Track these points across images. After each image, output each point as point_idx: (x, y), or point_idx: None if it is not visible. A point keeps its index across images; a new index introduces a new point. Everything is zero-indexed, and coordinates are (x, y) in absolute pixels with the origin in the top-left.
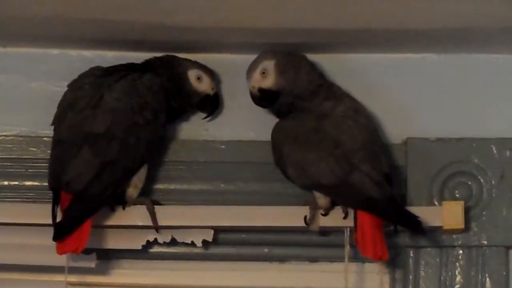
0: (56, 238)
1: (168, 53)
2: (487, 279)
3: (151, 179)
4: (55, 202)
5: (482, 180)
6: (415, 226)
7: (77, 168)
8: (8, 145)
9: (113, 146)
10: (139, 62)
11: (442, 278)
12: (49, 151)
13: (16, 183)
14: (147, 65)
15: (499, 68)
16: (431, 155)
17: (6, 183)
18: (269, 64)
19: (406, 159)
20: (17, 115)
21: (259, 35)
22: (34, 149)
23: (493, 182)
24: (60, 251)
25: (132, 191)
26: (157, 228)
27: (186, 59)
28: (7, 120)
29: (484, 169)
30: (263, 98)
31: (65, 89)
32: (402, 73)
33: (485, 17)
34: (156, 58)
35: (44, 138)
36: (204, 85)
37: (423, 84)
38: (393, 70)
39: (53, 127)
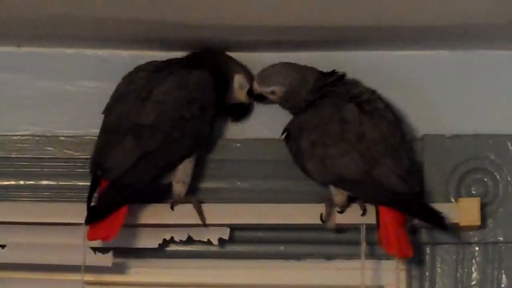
0: (88, 221)
1: (210, 49)
2: (503, 275)
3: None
4: (93, 187)
5: (498, 177)
6: (439, 222)
7: (117, 155)
8: (24, 145)
9: (157, 138)
10: (156, 59)
11: (458, 275)
12: (64, 151)
13: (32, 182)
14: (196, 59)
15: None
16: (447, 151)
17: (22, 182)
18: (280, 90)
19: (423, 156)
20: (32, 114)
21: (271, 33)
22: (50, 148)
23: (509, 179)
24: (91, 237)
25: (180, 188)
26: (205, 224)
27: (235, 61)
28: (23, 119)
29: (500, 165)
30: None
31: (81, 88)
32: (417, 70)
33: (498, 14)
34: (205, 51)
35: (60, 138)
36: (243, 95)
37: (438, 81)
38: (408, 68)
39: (72, 128)
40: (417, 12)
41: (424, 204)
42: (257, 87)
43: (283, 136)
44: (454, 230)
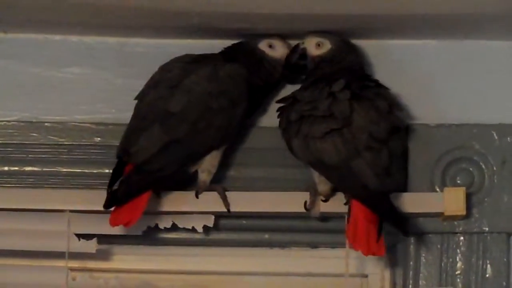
0: (106, 206)
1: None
2: (488, 265)
3: None
4: (116, 171)
5: (483, 166)
6: (401, 225)
7: (143, 141)
8: (9, 131)
9: (183, 127)
10: (141, 48)
11: (443, 264)
12: (49, 137)
13: (16, 168)
14: (227, 54)
15: (500, 54)
16: (432, 141)
17: (6, 168)
18: (326, 42)
19: (407, 145)
20: (18, 100)
21: (272, 21)
22: (35, 134)
23: (494, 169)
24: (113, 223)
25: (205, 176)
26: (229, 210)
27: (253, 36)
28: (8, 105)
29: (486, 155)
30: (296, 67)
31: (67, 75)
32: (402, 59)
33: (486, 3)
34: (228, 47)
35: (45, 124)
36: (279, 50)
37: (423, 70)
38: (393, 57)
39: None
40: (406, 2)
41: (392, 205)
42: (306, 40)
43: (279, 106)
44: (439, 219)
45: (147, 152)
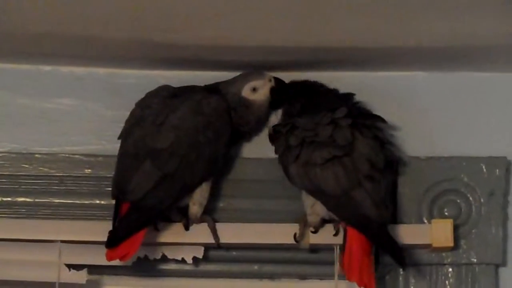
0: (108, 245)
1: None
2: None
3: None
4: (116, 211)
5: (471, 198)
6: (399, 257)
7: (137, 179)
8: (0, 162)
9: (174, 161)
10: (131, 79)
11: None
12: (40, 168)
13: (9, 199)
14: (211, 89)
15: (490, 87)
16: (421, 173)
17: None
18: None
19: (396, 177)
20: (8, 131)
21: (259, 54)
22: (26, 165)
23: (482, 200)
24: (109, 257)
25: (196, 209)
26: (218, 244)
27: (231, 83)
28: None
29: (474, 187)
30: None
31: (57, 105)
32: (391, 91)
33: (475, 36)
34: (215, 86)
35: (36, 155)
36: (262, 90)
37: (412, 102)
38: (382, 88)
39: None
40: (395, 35)
41: (389, 235)
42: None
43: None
44: (427, 251)
45: (143, 189)
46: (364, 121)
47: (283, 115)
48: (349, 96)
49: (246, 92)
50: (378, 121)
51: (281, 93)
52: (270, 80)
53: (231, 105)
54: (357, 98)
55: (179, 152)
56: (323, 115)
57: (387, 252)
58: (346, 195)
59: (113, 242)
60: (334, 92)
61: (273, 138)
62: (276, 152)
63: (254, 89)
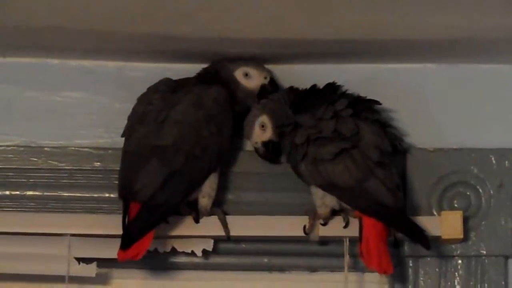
0: (123, 246)
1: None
2: None
3: None
4: (126, 211)
5: (480, 190)
6: (423, 240)
7: (145, 177)
8: (9, 155)
9: (180, 157)
10: (140, 72)
11: (441, 287)
12: (49, 161)
13: (18, 192)
14: (203, 77)
15: (498, 78)
16: (430, 165)
17: (7, 192)
18: (264, 118)
19: (406, 167)
20: (17, 125)
21: (261, 46)
22: (35, 159)
23: (491, 192)
24: (121, 257)
25: (206, 201)
26: (229, 236)
27: (230, 60)
28: (7, 130)
29: (483, 179)
30: (268, 151)
31: (66, 99)
32: (400, 83)
33: (484, 28)
34: (205, 69)
35: (45, 148)
36: (254, 80)
37: (421, 94)
38: (392, 81)
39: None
40: (404, 27)
41: (409, 219)
42: (252, 139)
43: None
44: (436, 243)
45: (151, 188)
46: (363, 107)
47: (274, 120)
48: (336, 87)
49: (238, 74)
50: (375, 104)
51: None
52: (265, 78)
53: (223, 78)
54: (349, 88)
55: (184, 148)
56: (324, 110)
57: (409, 236)
58: (359, 185)
59: (127, 243)
60: (321, 87)
61: (260, 152)
62: (283, 151)
63: (247, 75)
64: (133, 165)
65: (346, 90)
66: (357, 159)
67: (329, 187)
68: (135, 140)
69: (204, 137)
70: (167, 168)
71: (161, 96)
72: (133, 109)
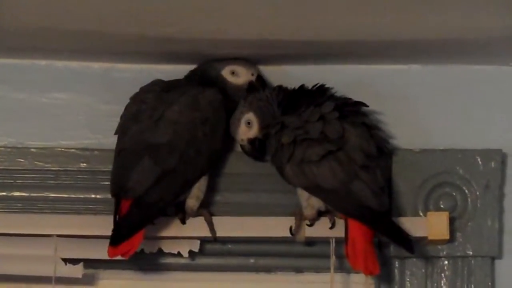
0: (113, 243)
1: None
2: None
3: None
4: (116, 209)
5: (467, 191)
6: (405, 243)
7: (138, 175)
8: None
9: (174, 157)
10: (127, 74)
11: None
12: (36, 162)
13: (4, 193)
14: (190, 78)
15: (484, 80)
16: (416, 166)
17: None
18: (250, 116)
19: (391, 170)
20: (3, 126)
21: (249, 47)
22: (22, 160)
23: (478, 193)
24: (111, 254)
25: (193, 203)
26: (215, 237)
27: (216, 61)
28: None
29: (469, 180)
30: (253, 148)
31: (52, 100)
32: (386, 84)
33: (469, 29)
34: (192, 71)
35: (32, 149)
36: (241, 77)
37: (407, 95)
38: (378, 81)
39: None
40: (389, 27)
41: (393, 223)
42: (238, 136)
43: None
44: (423, 244)
45: (143, 185)
46: (349, 110)
47: (261, 119)
48: (325, 89)
49: (225, 72)
50: (361, 107)
51: (254, 91)
52: (252, 75)
53: (212, 78)
54: (336, 89)
55: (178, 148)
56: (311, 112)
57: (393, 240)
58: (344, 188)
59: (116, 240)
60: (310, 88)
61: (246, 149)
62: (268, 152)
63: (233, 73)
64: (126, 162)
65: (335, 93)
66: (343, 161)
67: (314, 189)
68: (128, 137)
69: (198, 138)
70: (160, 167)
71: (155, 95)
72: (126, 108)
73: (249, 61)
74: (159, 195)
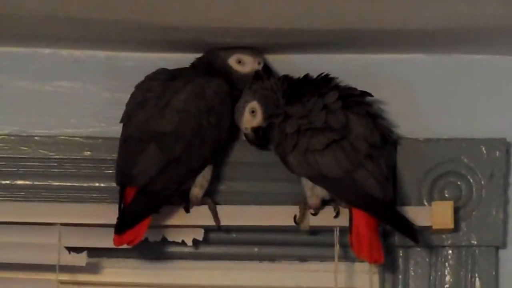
0: (118, 231)
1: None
2: (477, 279)
3: None
4: (122, 197)
5: (471, 180)
6: (410, 232)
7: (143, 163)
8: (0, 144)
9: (179, 145)
10: (131, 62)
11: (431, 278)
12: (39, 151)
13: (8, 182)
14: (199, 67)
15: (488, 69)
16: (421, 155)
17: None
18: (254, 104)
19: (396, 158)
20: (8, 114)
21: (257, 36)
22: (25, 148)
23: (482, 182)
24: (117, 243)
25: (198, 191)
26: (219, 226)
27: (222, 49)
28: None
29: (474, 169)
30: (257, 137)
31: (56, 88)
32: (391, 73)
33: (474, 18)
34: (199, 59)
35: (35, 137)
36: (247, 66)
37: (412, 84)
38: (382, 71)
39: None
40: (395, 17)
41: (398, 212)
42: (242, 124)
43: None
44: (427, 233)
45: (148, 173)
46: (354, 99)
47: (265, 107)
48: (330, 78)
49: (231, 61)
50: (366, 96)
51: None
52: (259, 63)
53: (218, 67)
54: (340, 79)
55: (183, 136)
56: (314, 102)
57: (397, 229)
58: (348, 177)
59: (122, 227)
60: (315, 77)
61: (249, 138)
62: (271, 142)
63: (240, 62)
64: (131, 150)
65: (339, 82)
66: (347, 150)
67: (318, 178)
68: (134, 124)
69: (203, 127)
70: (165, 155)
71: (161, 84)
72: (132, 95)
73: (256, 50)
74: (164, 183)
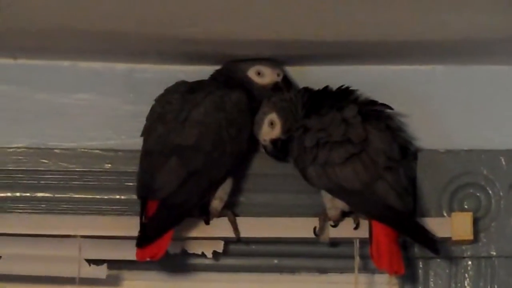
0: (139, 245)
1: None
2: None
3: None
4: (143, 210)
5: (490, 192)
6: (430, 244)
7: (164, 176)
8: (20, 157)
9: (199, 158)
10: (150, 74)
11: None
12: (60, 163)
13: (28, 194)
14: (215, 79)
15: (507, 80)
16: (441, 166)
17: (18, 194)
18: (273, 116)
19: (416, 170)
20: (27, 127)
21: (270, 48)
22: (45, 161)
23: (501, 194)
24: (140, 257)
25: (218, 204)
26: (239, 238)
27: (242, 61)
28: (18, 131)
29: (493, 180)
30: (275, 149)
31: (75, 101)
32: (411, 85)
33: (492, 29)
34: (218, 71)
35: (55, 150)
36: (267, 78)
37: (431, 95)
38: (402, 82)
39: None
40: (413, 28)
41: (418, 224)
42: (260, 136)
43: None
44: (447, 244)
45: (170, 186)
46: (373, 113)
47: (284, 119)
48: (350, 91)
49: (251, 73)
50: (386, 109)
51: (279, 90)
52: (278, 75)
53: (237, 79)
54: (360, 90)
55: (204, 149)
56: (333, 115)
57: (417, 240)
58: (368, 189)
59: (144, 241)
60: (335, 90)
61: (268, 150)
62: (291, 155)
63: (259, 73)
64: (152, 163)
65: (360, 95)
66: (366, 163)
67: (337, 190)
68: (154, 138)
69: (223, 139)
70: (186, 168)
71: (180, 97)
72: (151, 109)
73: (275, 62)
74: (186, 196)
